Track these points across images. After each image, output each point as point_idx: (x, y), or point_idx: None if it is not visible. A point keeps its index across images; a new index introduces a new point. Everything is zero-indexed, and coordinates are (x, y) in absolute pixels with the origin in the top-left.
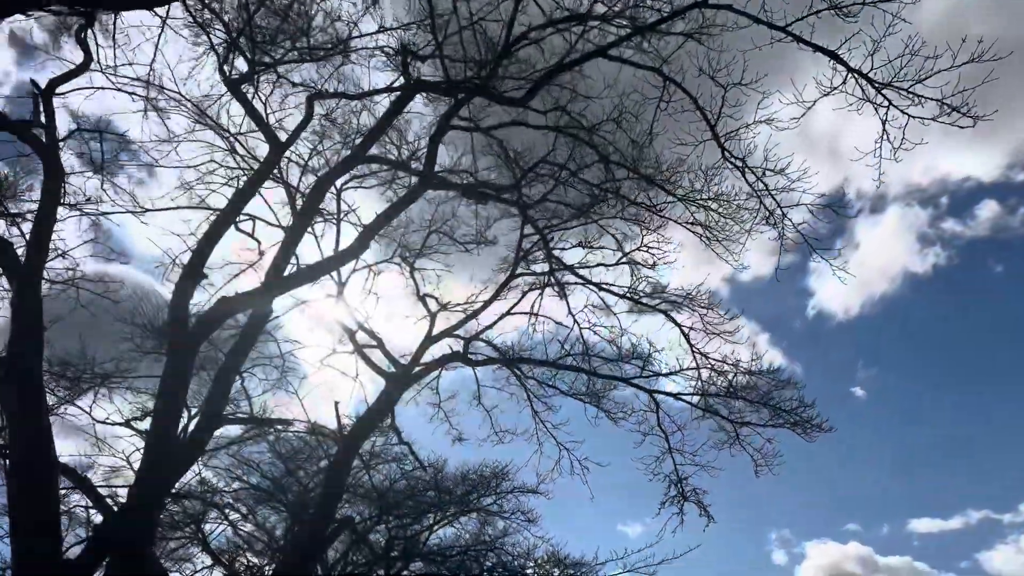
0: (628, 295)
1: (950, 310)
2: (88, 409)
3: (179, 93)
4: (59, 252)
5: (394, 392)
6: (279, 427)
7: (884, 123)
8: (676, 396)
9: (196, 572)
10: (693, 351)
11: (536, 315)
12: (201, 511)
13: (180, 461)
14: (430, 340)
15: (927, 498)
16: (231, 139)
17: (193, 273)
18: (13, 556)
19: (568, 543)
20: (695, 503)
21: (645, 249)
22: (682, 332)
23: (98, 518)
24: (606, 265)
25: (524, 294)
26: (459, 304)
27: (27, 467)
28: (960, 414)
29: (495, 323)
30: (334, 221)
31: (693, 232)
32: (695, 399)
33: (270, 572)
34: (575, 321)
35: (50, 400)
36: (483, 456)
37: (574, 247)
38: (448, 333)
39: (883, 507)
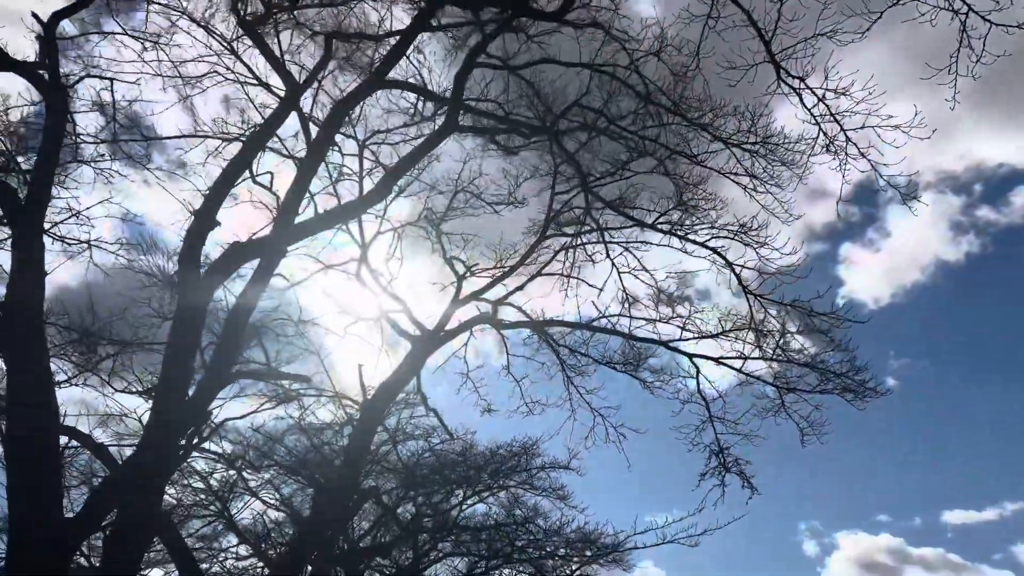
0: (675, 231)
1: (984, 299)
2: (106, 377)
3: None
4: (73, 212)
5: (421, 355)
6: (292, 382)
7: (963, 30)
8: (718, 360)
9: (222, 551)
10: (746, 292)
11: (569, 276)
12: (227, 487)
13: (189, 414)
14: (457, 303)
15: (960, 489)
16: (229, 45)
17: (205, 221)
18: (10, 506)
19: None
20: (737, 474)
21: (683, 208)
22: (733, 272)
23: None
24: (642, 224)
25: (556, 253)
26: (487, 268)
27: (25, 412)
28: (994, 404)
29: (526, 284)
30: (356, 178)
31: (739, 184)
32: (739, 364)
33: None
34: (613, 265)
35: (67, 369)
36: (513, 428)
37: (608, 204)
38: (476, 296)
39: (915, 498)
